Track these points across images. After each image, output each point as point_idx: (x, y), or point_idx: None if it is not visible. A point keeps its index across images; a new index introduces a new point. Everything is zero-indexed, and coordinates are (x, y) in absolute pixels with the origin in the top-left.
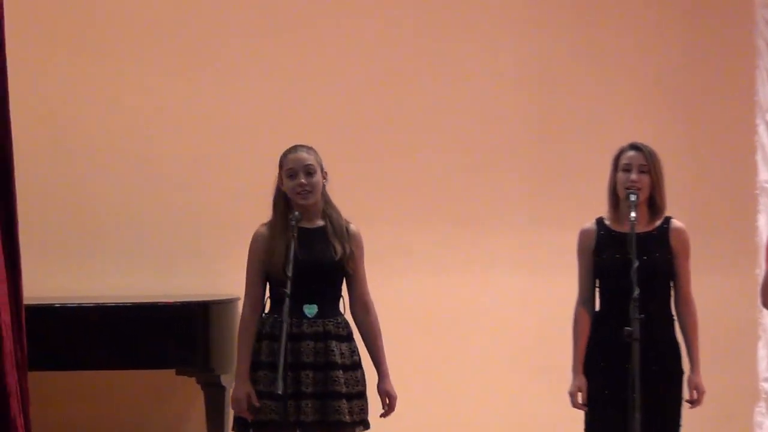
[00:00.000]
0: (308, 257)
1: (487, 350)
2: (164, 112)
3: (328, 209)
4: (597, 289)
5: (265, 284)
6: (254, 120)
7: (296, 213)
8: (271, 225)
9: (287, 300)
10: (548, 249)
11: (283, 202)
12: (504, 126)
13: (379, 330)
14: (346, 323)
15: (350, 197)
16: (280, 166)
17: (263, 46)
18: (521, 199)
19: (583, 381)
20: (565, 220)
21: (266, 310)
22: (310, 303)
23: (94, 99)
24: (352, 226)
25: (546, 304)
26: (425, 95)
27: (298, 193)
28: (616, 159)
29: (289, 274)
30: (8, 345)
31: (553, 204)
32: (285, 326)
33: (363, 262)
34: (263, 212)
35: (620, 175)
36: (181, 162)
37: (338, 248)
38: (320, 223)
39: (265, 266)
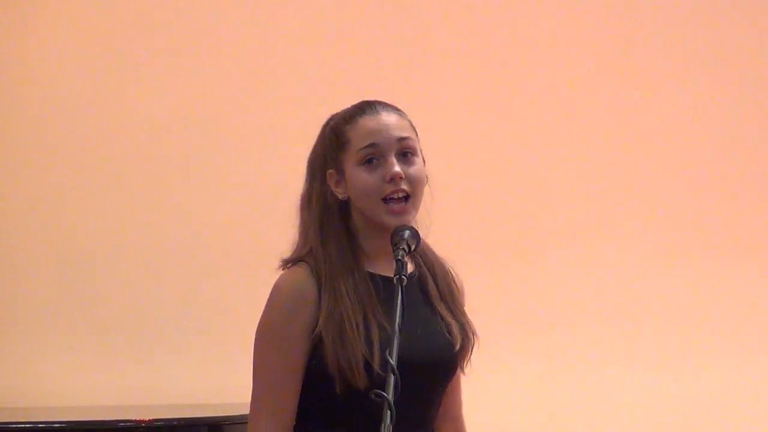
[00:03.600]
0: (409, 342)
1: None
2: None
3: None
4: None
5: (300, 384)
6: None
7: (405, 231)
8: (318, 268)
9: (388, 415)
10: None
11: (340, 219)
12: None
13: None
14: None
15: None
16: (339, 145)
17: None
18: None
19: None
20: None
21: None
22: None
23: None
24: (454, 273)
25: None
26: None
27: (392, 199)
28: None
29: (393, 360)
30: None
31: None
32: None
33: None
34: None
35: None
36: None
37: (454, 325)
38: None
39: (307, 348)
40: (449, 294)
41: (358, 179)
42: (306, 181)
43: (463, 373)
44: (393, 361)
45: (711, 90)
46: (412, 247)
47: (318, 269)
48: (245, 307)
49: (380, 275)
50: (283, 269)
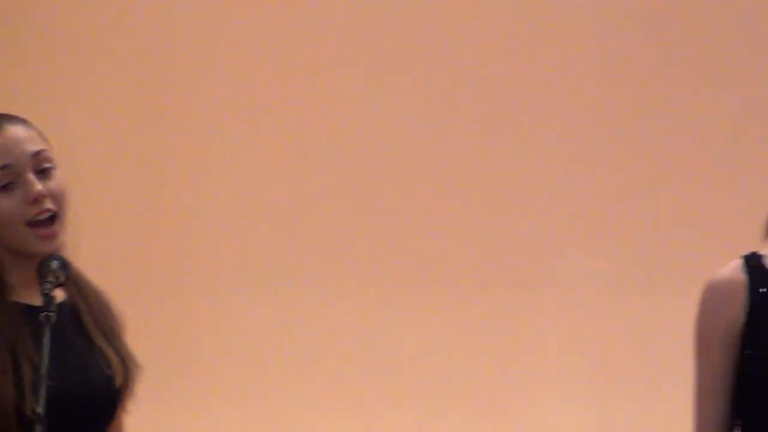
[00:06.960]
0: (63, 378)
1: None
2: None
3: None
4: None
5: None
6: None
7: (53, 261)
8: None
9: None
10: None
11: None
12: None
13: None
14: None
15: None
16: None
17: None
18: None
19: None
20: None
21: None
22: None
23: None
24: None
25: None
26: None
27: (38, 222)
28: None
29: (40, 407)
30: None
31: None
32: None
33: None
34: None
35: None
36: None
37: (114, 359)
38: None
39: None
40: (107, 325)
41: None
42: None
43: (125, 411)
44: (40, 409)
45: None
46: (61, 279)
47: None
48: None
49: (25, 304)
50: None
